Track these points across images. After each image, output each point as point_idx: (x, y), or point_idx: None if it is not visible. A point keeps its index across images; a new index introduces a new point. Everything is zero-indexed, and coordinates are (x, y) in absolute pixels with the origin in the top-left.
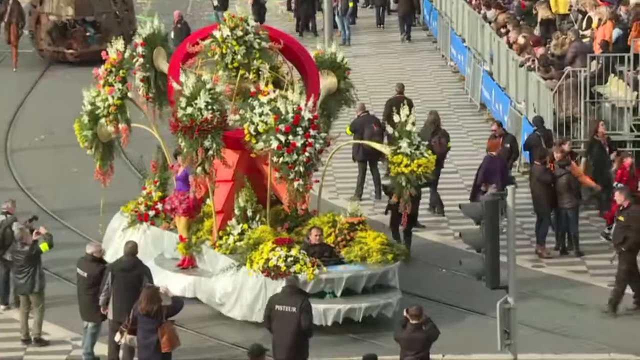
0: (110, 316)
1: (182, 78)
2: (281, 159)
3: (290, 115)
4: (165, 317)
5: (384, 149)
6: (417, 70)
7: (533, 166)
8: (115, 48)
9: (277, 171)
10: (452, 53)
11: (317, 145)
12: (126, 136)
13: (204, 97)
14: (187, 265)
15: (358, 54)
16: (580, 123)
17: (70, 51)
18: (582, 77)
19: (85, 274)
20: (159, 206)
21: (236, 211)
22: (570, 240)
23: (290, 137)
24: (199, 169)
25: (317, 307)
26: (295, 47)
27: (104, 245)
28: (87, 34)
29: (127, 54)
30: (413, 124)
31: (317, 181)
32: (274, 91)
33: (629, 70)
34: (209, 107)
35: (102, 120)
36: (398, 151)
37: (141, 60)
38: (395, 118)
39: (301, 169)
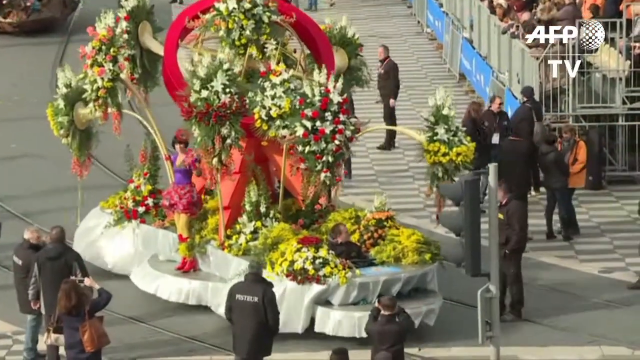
0: (43, 310)
1: (195, 57)
2: (307, 148)
3: (317, 98)
4: (89, 313)
5: (418, 135)
6: (391, 37)
7: (518, 141)
8: (104, 23)
9: (302, 162)
10: (429, 19)
11: (348, 132)
12: (118, 123)
13: (220, 79)
14: (189, 268)
15: (324, 21)
16: (568, 95)
17: (8, 21)
18: (571, 45)
19: (20, 262)
20: (149, 201)
21: (247, 207)
22: (565, 224)
23: (318, 123)
24: (215, 160)
25: (351, 315)
26: (306, 21)
27: (75, 246)
28: (28, 3)
29: (118, 30)
30: (450, 107)
31: (347, 173)
32: (287, 71)
33: (621, 38)
34: (227, 89)
35: (80, 104)
36: (435, 138)
37: (125, 36)
38: (430, 101)
39: (330, 158)
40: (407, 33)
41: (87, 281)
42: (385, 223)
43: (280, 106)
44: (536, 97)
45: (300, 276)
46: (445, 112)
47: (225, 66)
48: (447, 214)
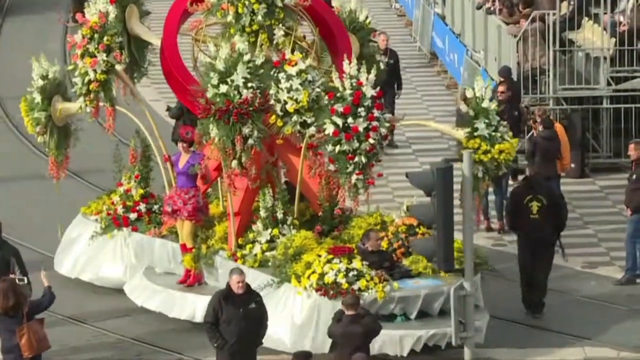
0: None
1: (211, 47)
2: (338, 148)
3: (349, 92)
4: (28, 315)
5: (456, 132)
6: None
7: None
8: (95, 8)
9: (332, 162)
10: None
11: (382, 130)
12: (112, 120)
13: (241, 72)
14: (193, 282)
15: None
16: (548, 76)
17: None
18: (551, 21)
19: None
20: (142, 207)
21: (262, 213)
22: None
23: (350, 119)
24: (235, 162)
25: (392, 334)
26: (320, 5)
27: (57, 259)
28: None
29: (111, 16)
30: (491, 99)
31: (381, 175)
32: (304, 61)
33: (605, 13)
34: (248, 84)
35: (58, 98)
36: (475, 134)
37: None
38: (468, 93)
39: (363, 159)
40: (373, 8)
41: (42, 276)
42: (417, 229)
43: (297, 100)
44: (514, 77)
45: (333, 290)
46: (485, 104)
47: (246, 57)
48: (417, 205)
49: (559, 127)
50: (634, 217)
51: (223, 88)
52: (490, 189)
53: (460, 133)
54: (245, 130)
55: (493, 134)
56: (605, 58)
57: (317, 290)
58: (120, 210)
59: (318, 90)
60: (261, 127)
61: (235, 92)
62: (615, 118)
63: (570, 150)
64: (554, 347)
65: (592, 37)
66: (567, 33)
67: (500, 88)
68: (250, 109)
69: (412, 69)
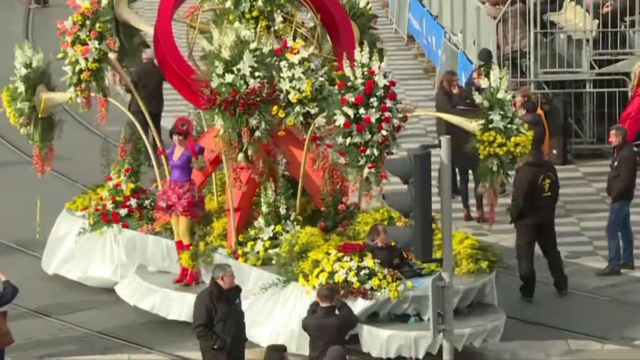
0: None
1: (215, 34)
2: (349, 140)
3: (360, 81)
4: None
5: (469, 123)
6: None
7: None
8: None
9: (343, 155)
10: None
11: (395, 121)
12: (105, 111)
13: (248, 61)
14: (190, 280)
15: None
16: (529, 59)
17: None
18: (532, 2)
19: None
20: (132, 202)
21: (264, 208)
22: None
23: (362, 110)
24: (241, 156)
25: (406, 335)
26: None
27: (46, 258)
28: None
29: (104, 2)
30: (506, 90)
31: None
32: (306, 48)
33: None
34: (255, 73)
35: (42, 88)
36: (490, 126)
37: None
38: (483, 83)
39: (375, 151)
40: None
41: None
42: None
43: (300, 89)
44: (494, 61)
45: (344, 290)
46: (500, 95)
47: (252, 45)
48: (393, 193)
49: (539, 112)
50: (616, 205)
51: (229, 77)
52: (471, 177)
53: (474, 125)
54: (253, 122)
55: (509, 126)
56: (587, 40)
57: None
58: (109, 205)
59: (321, 79)
60: (268, 119)
61: (242, 82)
62: (598, 102)
63: (552, 136)
64: (537, 339)
65: (575, 18)
66: (548, 14)
67: (475, 75)
68: (258, 99)
69: (388, 52)
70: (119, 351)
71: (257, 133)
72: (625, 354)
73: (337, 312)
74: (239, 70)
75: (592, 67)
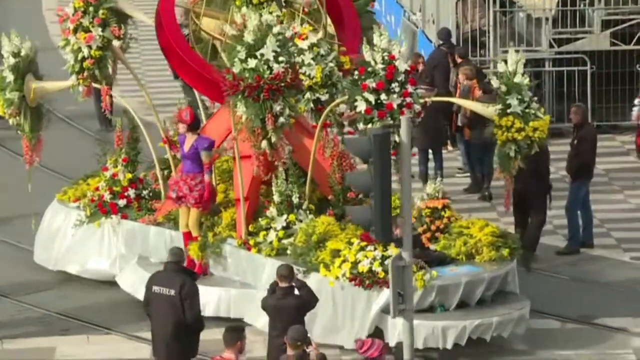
0: None
1: (238, 17)
2: (370, 126)
3: (381, 66)
4: None
5: (486, 108)
6: None
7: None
8: None
9: None
10: None
11: (417, 107)
12: (110, 99)
13: (271, 45)
14: (199, 272)
15: None
16: (488, 38)
17: None
18: None
19: None
20: (130, 192)
21: (276, 197)
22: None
23: (383, 96)
24: (264, 143)
25: (434, 325)
26: None
27: (39, 251)
28: None
29: None
30: (523, 74)
31: (415, 155)
32: (315, 34)
33: None
34: (279, 58)
35: (31, 77)
36: (508, 111)
37: None
38: (500, 67)
39: (397, 138)
40: None
41: None
42: (442, 212)
43: (310, 75)
44: (453, 40)
45: (368, 280)
46: (517, 79)
47: (275, 30)
48: (353, 173)
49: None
50: (575, 184)
51: (252, 63)
52: (431, 156)
53: (491, 110)
54: (277, 108)
55: (526, 111)
56: (547, 19)
57: (351, 280)
58: (107, 196)
59: (331, 65)
60: (292, 105)
61: (265, 67)
62: (557, 81)
63: None
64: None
65: None
66: None
67: (461, 77)
68: (282, 84)
69: None
70: (78, 332)
71: (281, 119)
72: (585, 333)
73: (296, 292)
74: (262, 55)
75: (551, 46)
